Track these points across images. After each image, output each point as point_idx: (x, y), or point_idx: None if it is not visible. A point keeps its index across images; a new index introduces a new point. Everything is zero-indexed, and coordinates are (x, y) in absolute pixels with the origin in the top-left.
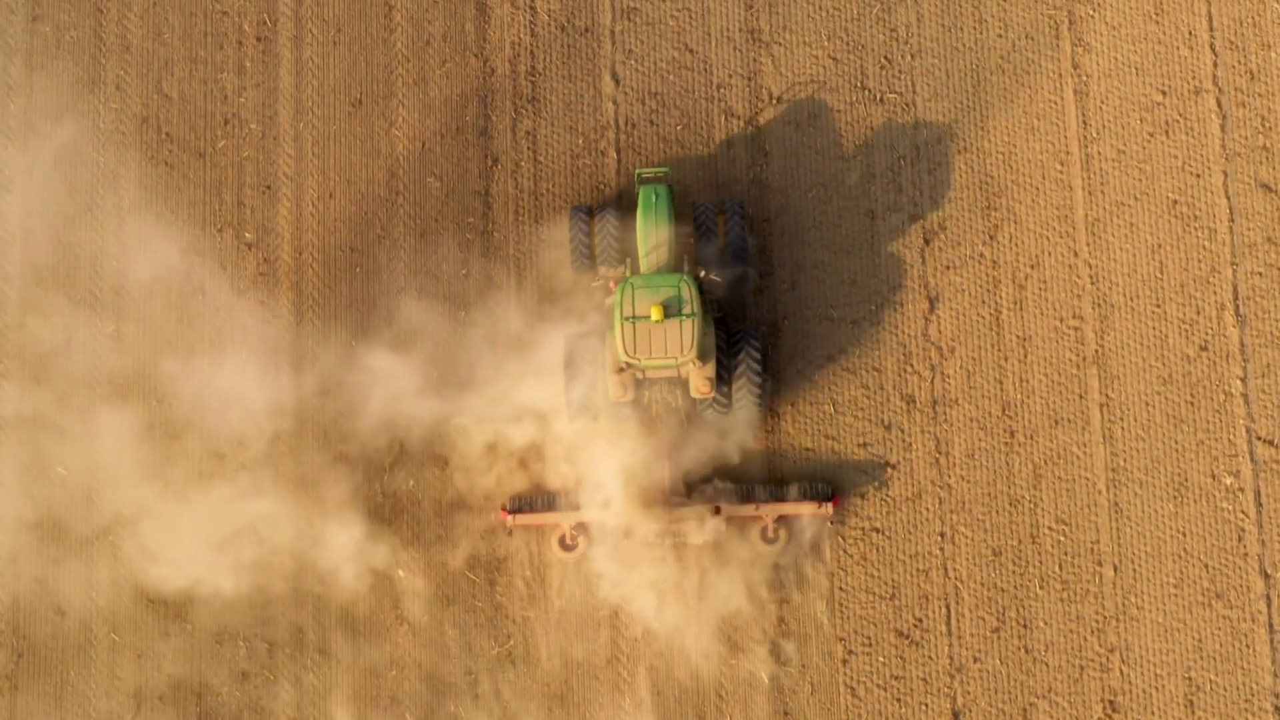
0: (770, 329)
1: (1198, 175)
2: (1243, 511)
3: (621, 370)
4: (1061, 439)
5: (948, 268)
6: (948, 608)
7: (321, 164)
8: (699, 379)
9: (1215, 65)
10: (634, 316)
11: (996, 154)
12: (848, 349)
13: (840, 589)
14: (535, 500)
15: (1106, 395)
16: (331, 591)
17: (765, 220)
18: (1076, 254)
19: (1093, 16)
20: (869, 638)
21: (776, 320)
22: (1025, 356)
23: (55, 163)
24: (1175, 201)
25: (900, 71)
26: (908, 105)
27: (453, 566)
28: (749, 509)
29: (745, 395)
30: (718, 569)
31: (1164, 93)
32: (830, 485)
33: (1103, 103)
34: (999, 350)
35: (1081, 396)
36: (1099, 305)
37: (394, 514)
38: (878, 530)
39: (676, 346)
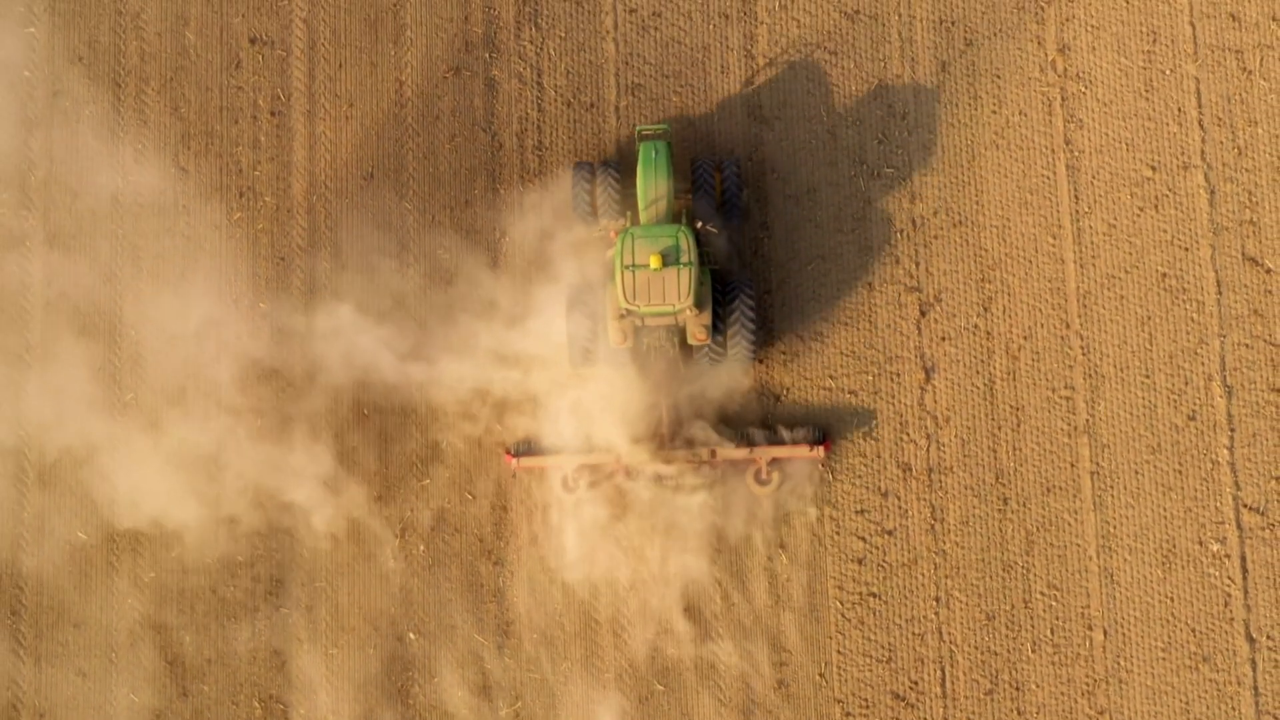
0: (772, 399)
1: (1186, 249)
2: (1229, 577)
3: (621, 317)
4: (1053, 506)
5: (943, 339)
6: (943, 670)
7: (334, 236)
8: (695, 326)
9: (1203, 141)
10: (634, 265)
11: (991, 227)
12: (846, 419)
13: (839, 652)
14: (538, 445)
15: (1097, 464)
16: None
17: (766, 292)
18: (1068, 326)
19: (1084, 94)
20: (866, 700)
21: (778, 393)
22: (1018, 425)
23: (75, 233)
24: (1164, 274)
25: (897, 147)
26: (905, 180)
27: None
28: (743, 452)
29: (740, 343)
30: (714, 510)
31: (1153, 168)
32: (822, 430)
33: (1094, 178)
34: (993, 419)
35: (1073, 465)
36: (1090, 376)
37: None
38: (875, 595)
39: (674, 293)
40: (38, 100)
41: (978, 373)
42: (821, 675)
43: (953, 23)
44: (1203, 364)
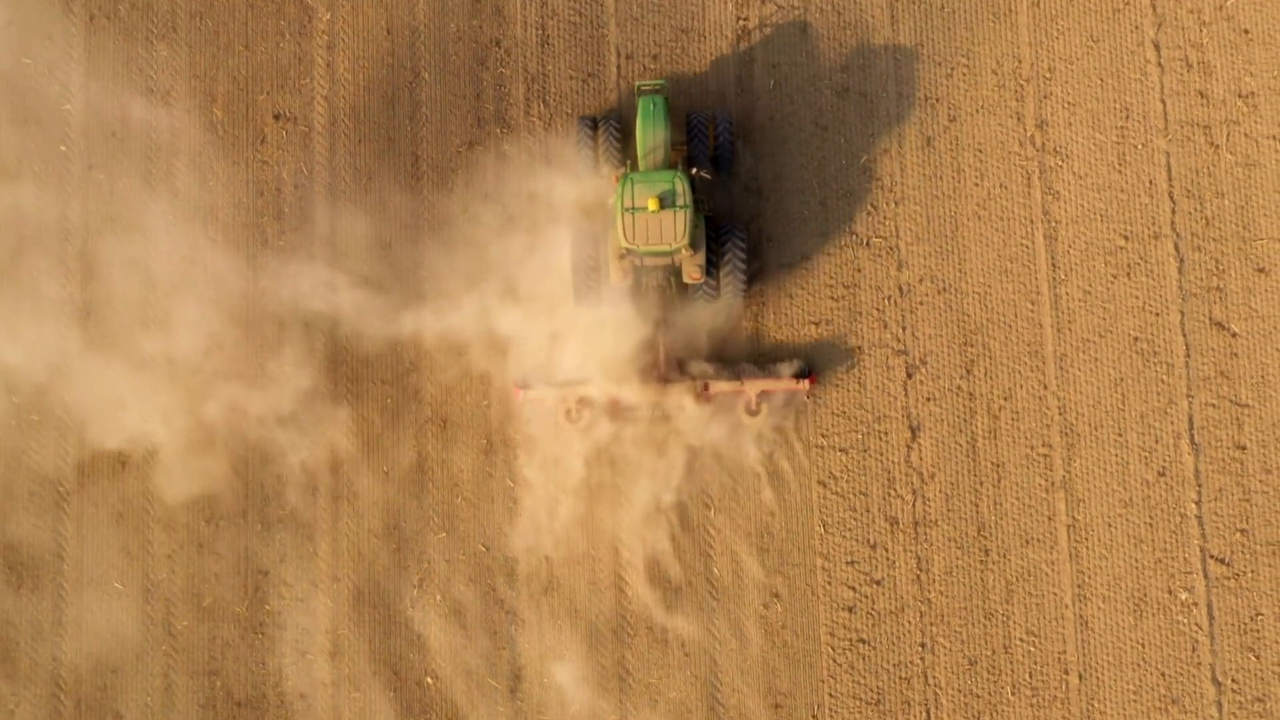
0: (766, 457)
1: (1157, 314)
2: (1197, 624)
3: (622, 256)
4: (1031, 557)
5: (928, 399)
6: (928, 713)
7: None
8: (690, 266)
9: (1173, 212)
10: (633, 208)
11: (973, 294)
12: (838, 475)
13: (830, 695)
14: (544, 377)
15: (1073, 517)
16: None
17: (762, 353)
18: (1046, 387)
19: (1061, 167)
20: None
21: (772, 451)
22: (999, 481)
23: (109, 303)
24: (1136, 338)
25: (885, 217)
26: (892, 249)
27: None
28: (734, 384)
29: (731, 282)
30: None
31: (1126, 238)
32: (807, 364)
33: (1070, 247)
34: (975, 475)
35: (1050, 518)
36: (1066, 434)
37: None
38: (864, 641)
39: (671, 234)
40: (73, 173)
41: (961, 431)
42: (814, 717)
43: (937, 100)
44: (1172, 423)
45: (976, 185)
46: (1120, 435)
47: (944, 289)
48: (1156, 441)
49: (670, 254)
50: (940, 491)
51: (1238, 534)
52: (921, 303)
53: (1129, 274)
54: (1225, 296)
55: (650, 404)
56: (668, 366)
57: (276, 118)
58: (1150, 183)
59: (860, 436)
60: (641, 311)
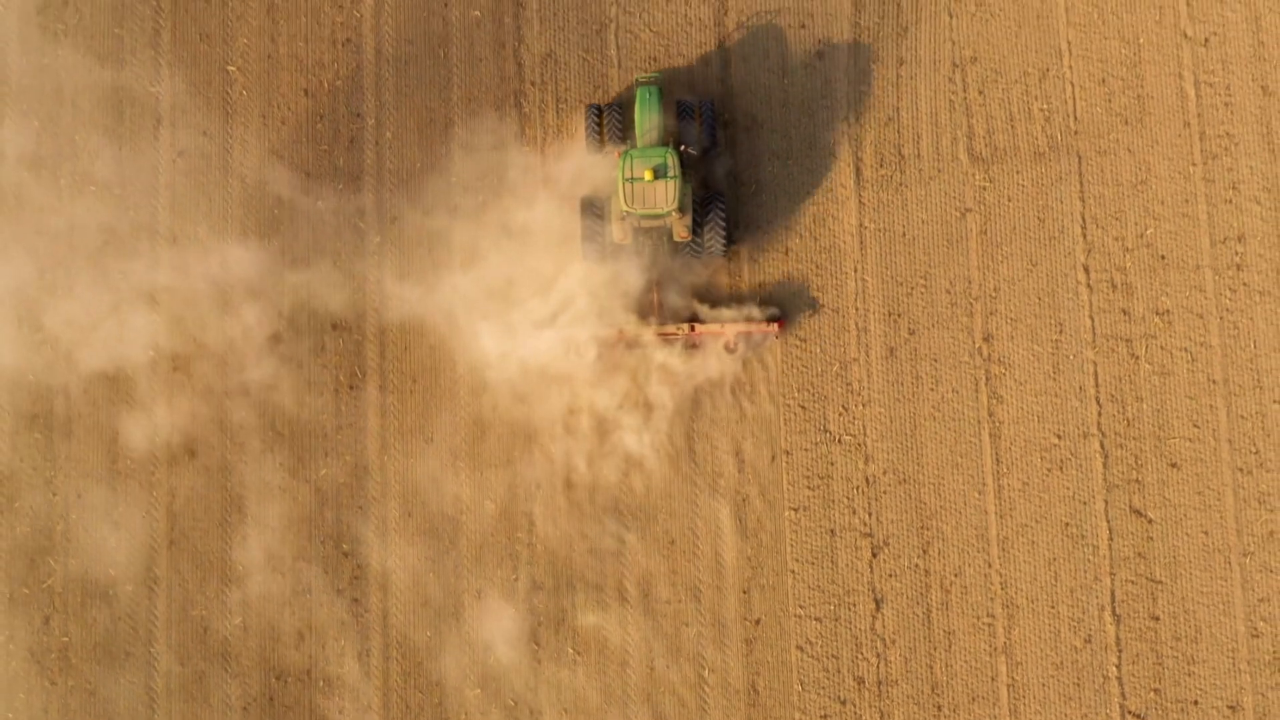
0: (755, 622)
1: (1084, 503)
2: None
3: (623, 219)
4: (978, 713)
5: (890, 575)
6: None
7: (403, 488)
8: (680, 226)
9: (1100, 415)
10: (632, 178)
11: (929, 484)
12: (814, 640)
13: None
14: (558, 320)
15: (1013, 678)
16: None
17: (747, 538)
18: (990, 565)
19: (1005, 375)
20: None
21: (760, 618)
22: (950, 646)
23: (193, 489)
24: (1067, 524)
25: (854, 418)
26: (860, 445)
27: None
28: (716, 326)
29: (714, 239)
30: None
31: (1059, 436)
32: (779, 310)
33: (1011, 444)
34: (929, 641)
35: (993, 679)
36: (1007, 606)
37: None
38: None
39: (663, 200)
40: (161, 372)
41: (918, 603)
42: None
43: (899, 315)
44: (1097, 597)
45: (932, 390)
46: (1053, 607)
47: (904, 480)
48: (1084, 613)
49: (663, 216)
50: (900, 655)
51: (1151, 693)
52: (885, 492)
53: (1061, 468)
54: (1143, 488)
55: (648, 341)
56: (660, 310)
57: (334, 327)
58: (1080, 389)
59: (832, 607)
60: (639, 264)
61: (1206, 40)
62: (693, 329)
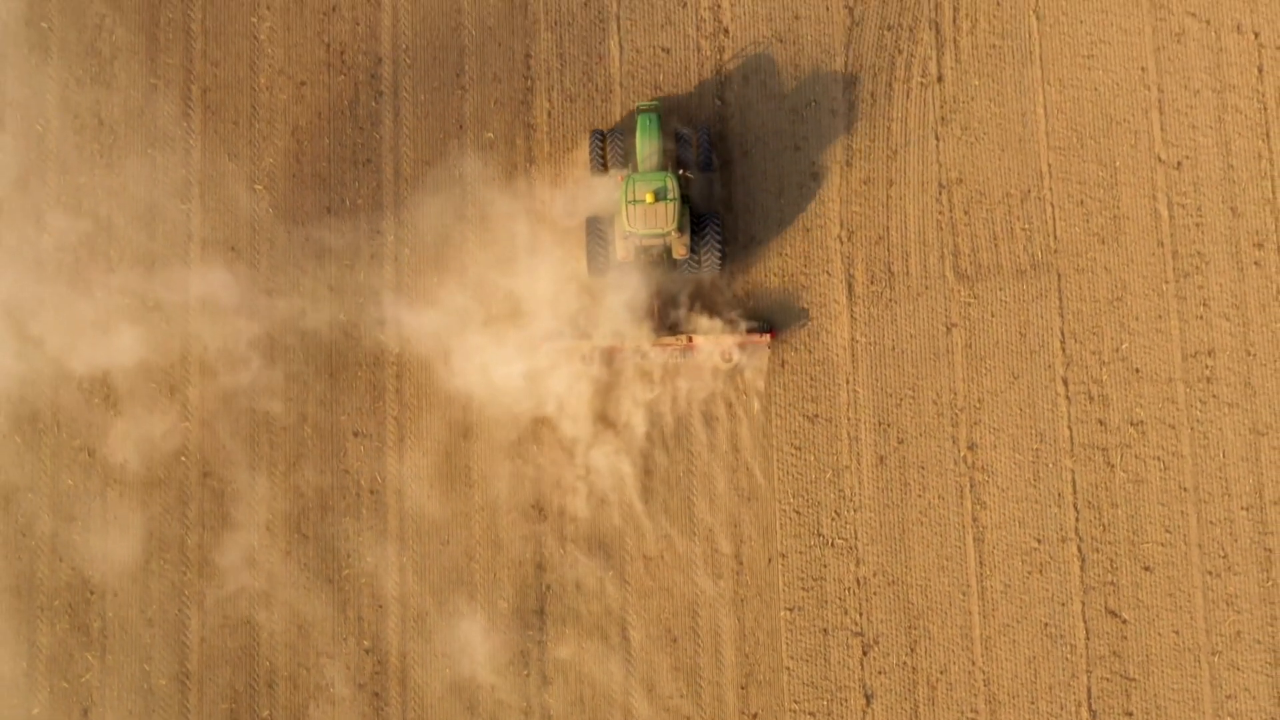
0: (753, 716)
1: (1063, 604)
2: None
3: (625, 238)
4: None
5: (880, 672)
6: None
7: (420, 585)
8: (678, 245)
9: (1077, 520)
10: (634, 200)
11: (916, 585)
12: None
13: None
14: (565, 331)
15: None
16: None
17: (745, 636)
18: (974, 663)
19: (988, 482)
20: None
21: (757, 712)
22: None
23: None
24: (1046, 624)
25: (846, 522)
26: (851, 548)
27: None
28: (714, 338)
29: (710, 257)
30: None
31: (1039, 541)
32: (770, 323)
33: (994, 548)
34: None
35: None
36: (990, 702)
37: None
38: None
39: (663, 221)
40: (191, 480)
41: (906, 699)
42: None
43: (889, 425)
44: (1074, 693)
45: (920, 496)
46: (1033, 703)
47: (893, 581)
48: (1062, 709)
49: (663, 236)
50: None
51: None
52: (875, 593)
53: (1041, 571)
54: (1118, 590)
55: (649, 351)
56: (661, 323)
57: (355, 435)
58: (1059, 495)
59: (825, 702)
60: (640, 280)
61: (1179, 164)
62: (690, 340)
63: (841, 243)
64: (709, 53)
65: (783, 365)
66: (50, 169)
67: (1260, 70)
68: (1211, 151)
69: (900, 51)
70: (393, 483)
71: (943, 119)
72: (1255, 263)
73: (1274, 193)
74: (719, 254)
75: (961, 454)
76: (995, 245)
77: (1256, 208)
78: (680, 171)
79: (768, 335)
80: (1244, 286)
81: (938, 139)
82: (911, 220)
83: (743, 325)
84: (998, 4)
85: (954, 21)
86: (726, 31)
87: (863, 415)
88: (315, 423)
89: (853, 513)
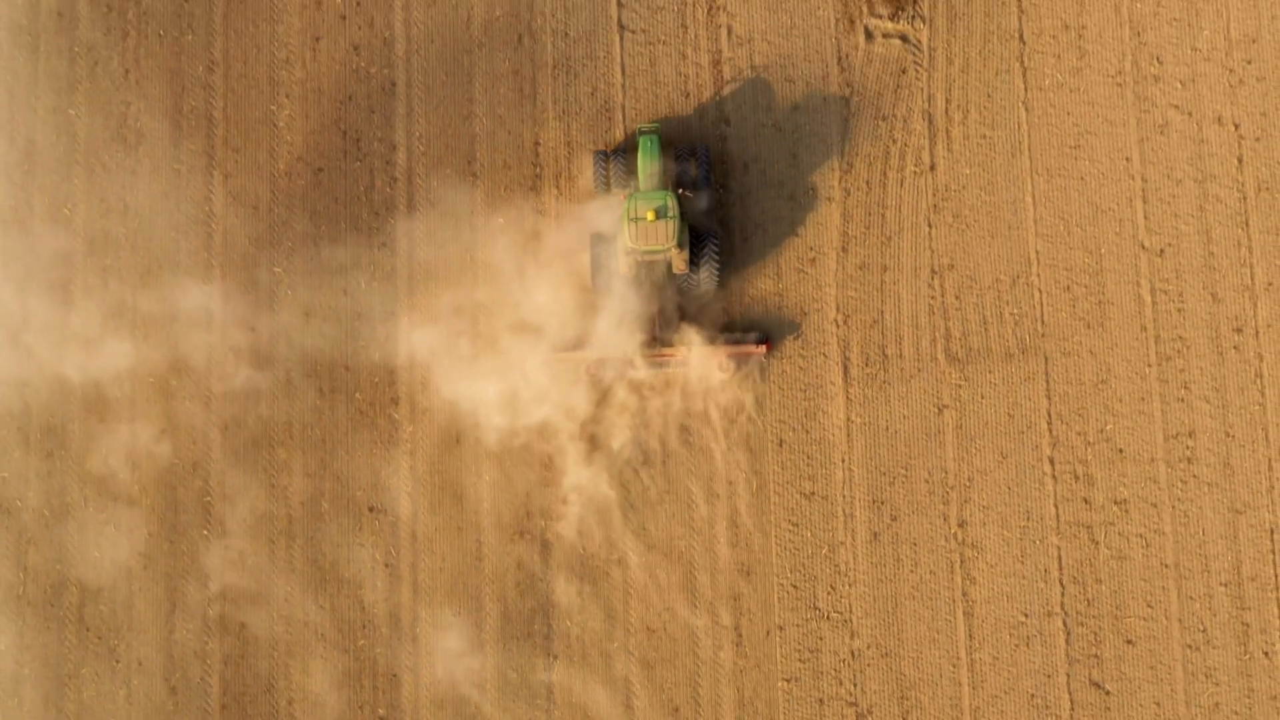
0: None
1: (1049, 676)
2: None
3: (628, 254)
4: None
5: None
6: None
7: (429, 655)
8: (678, 260)
9: (1063, 595)
10: (636, 218)
11: (908, 657)
12: None
13: None
14: (573, 344)
15: None
16: None
17: (744, 706)
18: None
19: (977, 558)
20: None
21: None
22: None
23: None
24: (1032, 695)
25: (841, 596)
26: (846, 621)
27: None
28: (710, 349)
29: (708, 272)
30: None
31: (1026, 615)
32: (765, 334)
33: (983, 621)
34: None
35: None
36: None
37: None
38: None
39: (664, 238)
40: (212, 551)
41: None
42: None
43: (882, 503)
44: None
45: (912, 572)
46: None
47: (886, 654)
48: None
49: (663, 252)
50: None
51: None
52: (869, 664)
53: (1028, 644)
54: (1102, 663)
55: (650, 363)
56: (661, 334)
57: (371, 510)
58: (1046, 571)
59: None
60: (642, 294)
61: (1162, 251)
62: (688, 350)
63: (838, 326)
64: (712, 140)
65: (781, 444)
66: (78, 251)
67: (1240, 161)
68: (1193, 239)
69: (895, 141)
70: (406, 557)
71: (935, 206)
72: (1234, 347)
73: (1253, 279)
74: (716, 270)
75: (952, 531)
76: (985, 329)
77: (1236, 294)
78: (680, 191)
79: (763, 346)
80: (1224, 370)
81: (930, 226)
82: (905, 304)
83: (738, 336)
84: (988, 96)
85: (946, 112)
86: (728, 121)
87: (858, 493)
88: (331, 497)
89: (848, 587)
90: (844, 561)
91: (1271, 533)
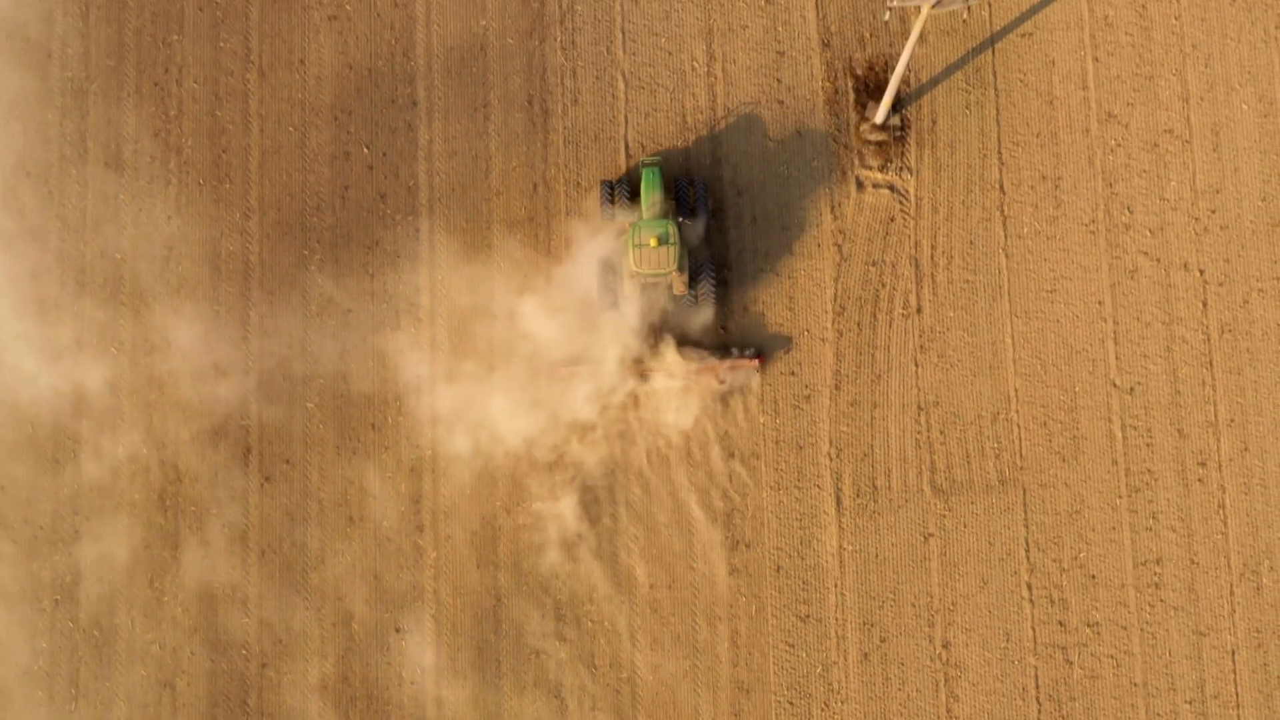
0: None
1: None
2: None
3: (632, 277)
4: None
5: None
6: None
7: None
8: (679, 283)
9: (1039, 712)
10: (640, 244)
11: None
12: None
13: None
14: (577, 359)
15: None
16: None
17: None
18: None
19: (960, 677)
20: None
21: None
22: None
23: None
24: None
25: (835, 714)
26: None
27: None
28: (709, 362)
29: (706, 294)
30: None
31: None
32: (759, 349)
33: None
34: None
35: None
36: None
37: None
38: None
39: (666, 262)
40: (245, 568)
41: None
42: None
43: (872, 625)
44: None
45: (899, 689)
46: None
47: None
48: None
49: (665, 275)
50: None
51: None
52: None
53: None
54: None
55: (650, 374)
56: (660, 349)
57: (397, 631)
58: (1023, 689)
59: None
60: (644, 314)
61: (1132, 389)
62: (685, 363)
63: (831, 459)
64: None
65: (778, 570)
66: (124, 388)
67: (1204, 304)
68: (1161, 378)
69: (884, 285)
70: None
71: (922, 347)
72: (1199, 480)
73: (1216, 416)
74: (713, 291)
75: (937, 651)
76: (968, 462)
77: (1200, 430)
78: (680, 219)
79: (757, 360)
80: (1189, 501)
81: (917, 365)
82: (893, 439)
83: (733, 351)
84: (970, 243)
85: (932, 258)
86: (729, 266)
87: (849, 616)
88: (361, 618)
89: (840, 704)
90: (836, 680)
91: (1233, 653)
